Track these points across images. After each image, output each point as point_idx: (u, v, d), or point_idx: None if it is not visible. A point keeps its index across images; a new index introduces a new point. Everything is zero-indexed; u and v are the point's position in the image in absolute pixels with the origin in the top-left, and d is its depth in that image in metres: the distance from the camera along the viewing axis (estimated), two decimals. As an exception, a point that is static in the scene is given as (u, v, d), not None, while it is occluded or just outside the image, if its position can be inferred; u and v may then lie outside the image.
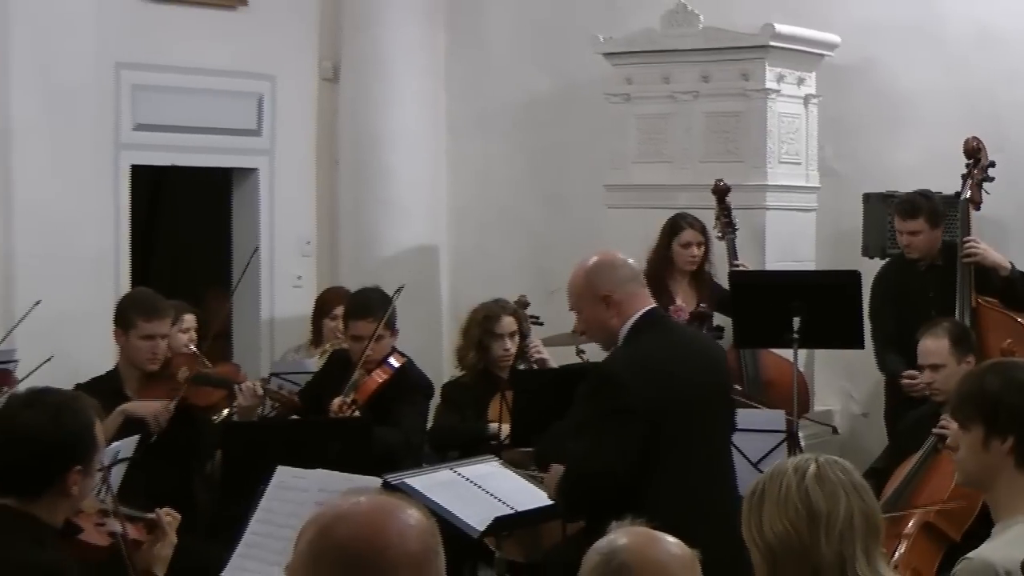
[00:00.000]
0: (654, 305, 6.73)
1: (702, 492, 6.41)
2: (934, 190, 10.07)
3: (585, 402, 6.66)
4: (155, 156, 12.84)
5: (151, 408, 8.13)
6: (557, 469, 6.65)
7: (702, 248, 10.22)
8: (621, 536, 3.78)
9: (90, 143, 11.79)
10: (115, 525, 5.31)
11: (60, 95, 11.37)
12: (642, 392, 6.36)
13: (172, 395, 8.25)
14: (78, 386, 7.90)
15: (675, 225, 10.22)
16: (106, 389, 8.04)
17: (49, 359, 8.83)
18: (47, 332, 9.48)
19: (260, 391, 8.76)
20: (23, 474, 4.96)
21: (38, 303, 9.93)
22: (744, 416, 7.03)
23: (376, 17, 13.49)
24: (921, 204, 9.78)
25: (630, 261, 6.76)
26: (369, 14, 13.51)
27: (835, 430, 10.50)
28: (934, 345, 7.97)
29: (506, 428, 8.88)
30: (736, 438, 7.02)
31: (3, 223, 11.19)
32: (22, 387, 8.99)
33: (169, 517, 5.51)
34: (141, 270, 12.78)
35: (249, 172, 13.59)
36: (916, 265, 9.86)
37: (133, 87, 12.53)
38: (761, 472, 4.82)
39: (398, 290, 9.20)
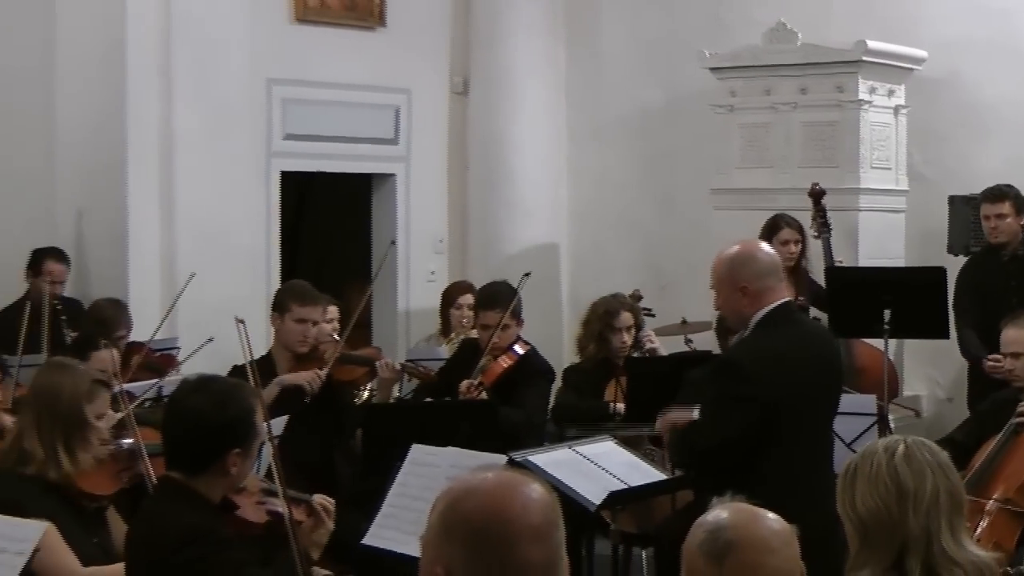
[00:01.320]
0: (787, 299, 6.67)
1: (803, 472, 6.36)
2: (1014, 191, 10.07)
3: (709, 383, 6.69)
4: (302, 163, 12.94)
5: (304, 376, 8.20)
6: (672, 415, 6.81)
7: (799, 246, 10.16)
8: (724, 512, 3.75)
9: (244, 152, 11.89)
10: (275, 504, 5.32)
11: (218, 109, 11.47)
12: (761, 381, 6.34)
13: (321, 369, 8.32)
14: (235, 368, 7.97)
15: (774, 225, 10.17)
16: (260, 370, 8.10)
17: (210, 340, 8.87)
18: (206, 321, 9.51)
19: (398, 367, 8.82)
20: (188, 452, 5.00)
21: (193, 275, 10.01)
22: (840, 400, 6.97)
23: (502, 35, 13.52)
24: (1007, 190, 9.94)
25: (771, 254, 6.69)
26: (496, 33, 13.54)
27: (917, 414, 10.42)
28: (1016, 334, 7.86)
29: (621, 408, 8.88)
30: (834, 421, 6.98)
31: (167, 223, 11.31)
32: (184, 367, 9.15)
33: (325, 503, 5.52)
34: (289, 265, 12.85)
35: (387, 177, 13.64)
36: (999, 256, 9.81)
37: (283, 101, 12.63)
38: (854, 452, 4.78)
39: (525, 275, 9.18)
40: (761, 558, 3.65)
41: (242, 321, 6.48)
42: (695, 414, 6.77)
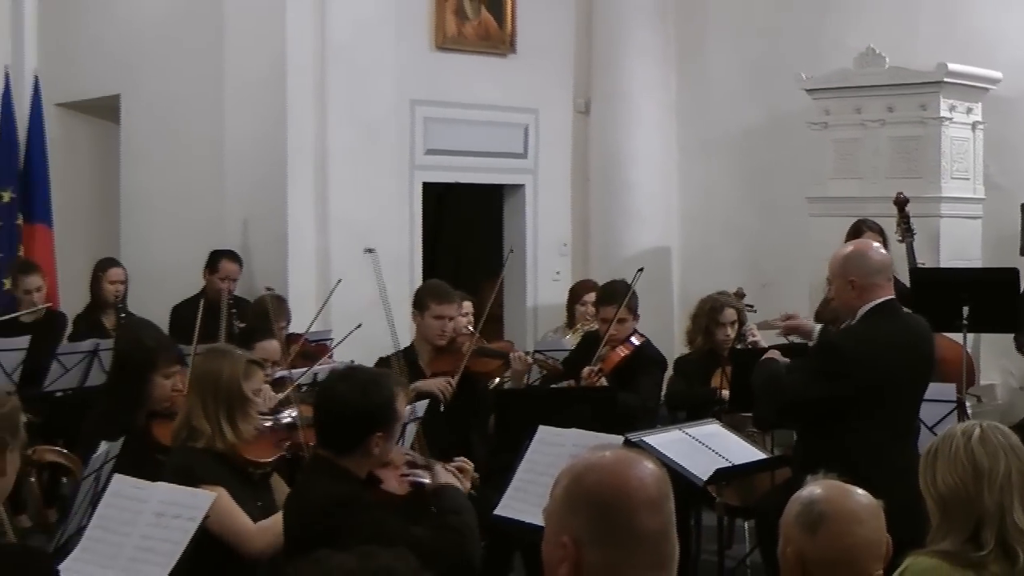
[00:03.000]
0: (891, 296, 6.67)
1: (889, 451, 6.34)
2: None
3: (810, 358, 6.76)
4: (442, 175, 13.01)
5: (437, 384, 8.22)
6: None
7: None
8: (817, 488, 3.77)
9: (390, 165, 11.96)
10: (417, 475, 5.36)
11: (367, 127, 11.55)
12: (859, 365, 6.39)
13: (455, 368, 8.35)
14: (382, 359, 8.04)
15: (857, 229, 10.08)
16: (404, 360, 8.20)
17: (359, 326, 8.95)
18: (356, 316, 9.57)
19: (530, 360, 8.84)
20: (335, 434, 5.05)
21: (339, 281, 10.18)
22: (921, 388, 6.96)
23: (620, 60, 13.53)
24: None
25: (882, 255, 6.74)
26: (614, 58, 13.55)
27: (979, 399, 10.34)
28: None
29: (726, 394, 8.87)
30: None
31: (322, 228, 11.40)
32: (336, 354, 9.22)
33: (463, 464, 5.58)
34: (429, 266, 12.90)
35: (517, 188, 13.68)
36: None
37: (424, 119, 12.70)
38: (935, 435, 4.77)
39: (639, 271, 9.20)
40: (850, 528, 3.68)
41: (371, 250, 6.51)
42: None
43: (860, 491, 3.77)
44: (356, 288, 10.46)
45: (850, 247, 6.72)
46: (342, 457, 5.04)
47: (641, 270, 9.24)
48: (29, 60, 13.51)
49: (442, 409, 8.09)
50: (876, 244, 7.09)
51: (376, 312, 8.93)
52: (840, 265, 6.62)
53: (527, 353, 9.00)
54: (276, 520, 5.47)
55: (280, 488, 6.08)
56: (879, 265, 6.61)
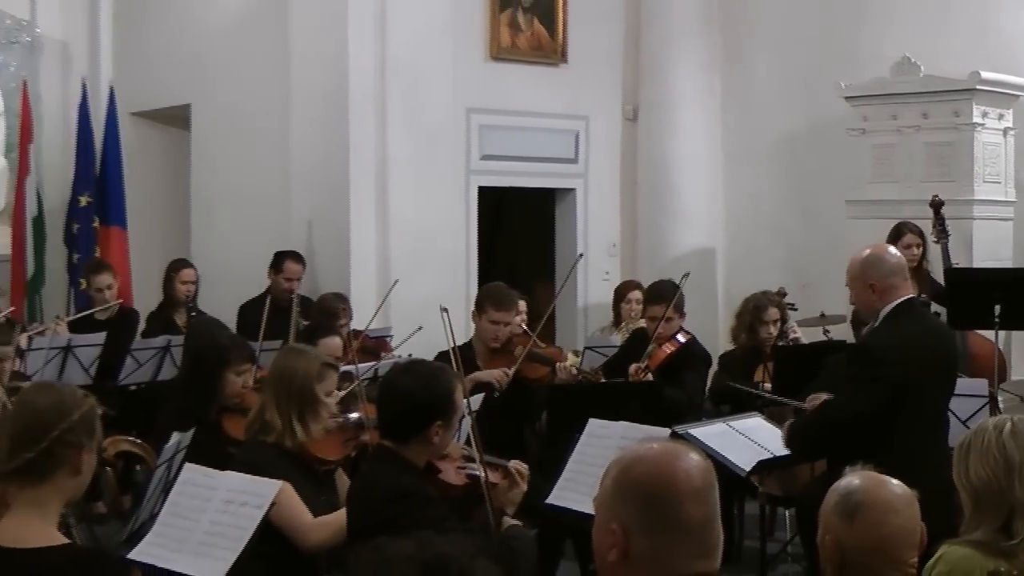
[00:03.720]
0: (911, 295, 6.65)
1: (923, 444, 6.31)
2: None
3: (847, 366, 6.68)
4: (497, 180, 13.03)
5: (494, 374, 8.26)
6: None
7: (920, 249, 10.03)
8: (855, 479, 3.77)
9: (447, 170, 11.98)
10: (475, 469, 5.36)
11: (425, 134, 11.56)
12: (891, 365, 6.33)
13: (511, 365, 8.38)
14: (440, 354, 8.06)
15: (898, 231, 10.04)
16: (462, 355, 8.20)
17: (419, 328, 8.99)
18: (415, 315, 9.59)
19: (574, 371, 8.80)
20: (397, 423, 5.07)
21: (396, 282, 10.25)
22: (956, 383, 6.92)
23: (667, 70, 13.52)
24: None
25: (897, 256, 6.67)
26: (661, 68, 13.54)
27: (1022, 399, 10.26)
28: None
29: (768, 388, 8.84)
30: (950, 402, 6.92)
31: (382, 231, 11.42)
32: (397, 352, 9.26)
33: (520, 467, 5.59)
34: (485, 266, 12.93)
35: (568, 192, 13.68)
36: None
37: (480, 127, 12.74)
38: (968, 429, 4.75)
39: (685, 275, 9.21)
40: (886, 517, 3.67)
41: (446, 310, 6.58)
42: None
43: (895, 482, 3.76)
44: (414, 287, 10.50)
45: (865, 252, 6.63)
46: (403, 447, 5.06)
47: (688, 274, 9.25)
48: (105, 72, 13.65)
49: (496, 395, 8.11)
50: (890, 247, 7.03)
51: (434, 310, 8.95)
52: (858, 270, 6.56)
53: (572, 366, 8.96)
54: (336, 517, 5.49)
55: (344, 483, 6.11)
56: (895, 266, 6.56)
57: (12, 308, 11.38)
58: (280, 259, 10.99)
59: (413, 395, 5.04)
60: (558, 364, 8.63)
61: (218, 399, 6.79)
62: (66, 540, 3.76)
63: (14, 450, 3.73)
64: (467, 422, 5.69)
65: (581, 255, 12.38)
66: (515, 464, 5.51)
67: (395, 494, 4.91)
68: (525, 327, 9.14)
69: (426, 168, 11.58)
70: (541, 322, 9.13)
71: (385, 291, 10.51)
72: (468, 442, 5.72)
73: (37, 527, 3.69)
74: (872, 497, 3.70)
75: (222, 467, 5.58)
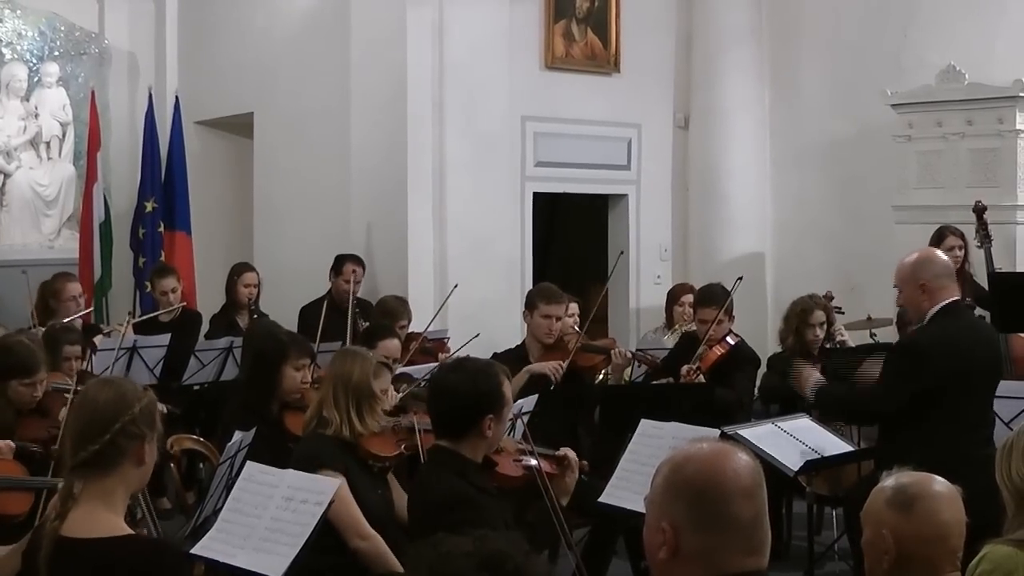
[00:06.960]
0: (957, 297, 6.65)
1: (968, 444, 6.29)
2: None
3: (893, 360, 6.68)
4: (551, 185, 13.02)
5: (549, 365, 8.24)
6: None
7: (962, 251, 9.97)
8: (904, 476, 3.77)
9: (503, 176, 11.99)
10: (530, 460, 5.42)
11: (481, 140, 11.59)
12: (936, 363, 6.37)
13: (565, 359, 8.36)
14: (495, 355, 8.05)
15: (941, 234, 10.00)
16: (514, 357, 8.21)
17: (476, 336, 9.00)
18: (472, 315, 9.62)
19: (629, 355, 8.83)
20: (451, 420, 5.09)
21: (456, 286, 10.24)
22: (1000, 385, 6.87)
23: (717, 79, 13.51)
24: None
25: (946, 260, 6.71)
26: (711, 77, 13.54)
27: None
28: None
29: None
30: (994, 403, 6.88)
31: (440, 234, 11.45)
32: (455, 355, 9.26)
33: (570, 455, 5.63)
34: (539, 270, 12.92)
35: (621, 197, 13.67)
36: None
37: (535, 134, 12.74)
38: (1011, 430, 4.71)
39: (738, 279, 9.20)
40: (942, 507, 3.68)
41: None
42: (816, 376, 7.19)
43: (940, 479, 3.78)
44: (470, 290, 10.50)
45: (916, 254, 6.68)
46: (459, 443, 5.07)
47: (741, 278, 9.25)
48: (171, 82, 13.74)
49: (552, 388, 8.10)
50: (938, 251, 7.03)
51: (492, 312, 8.95)
52: (909, 271, 6.59)
53: (627, 350, 8.97)
54: (383, 547, 5.68)
55: (397, 488, 6.24)
56: (945, 268, 6.62)
57: (90, 309, 11.52)
58: (340, 262, 11.01)
59: (463, 392, 5.06)
60: (613, 350, 8.63)
61: (279, 394, 6.83)
62: (131, 531, 3.78)
63: (80, 444, 3.77)
64: (520, 421, 5.70)
65: (622, 252, 12.44)
66: (566, 451, 5.57)
67: (452, 500, 4.92)
68: (577, 328, 9.12)
69: (482, 174, 11.60)
70: (590, 316, 9.13)
71: (441, 293, 10.53)
72: (524, 437, 5.75)
73: (103, 518, 3.72)
74: (925, 489, 3.72)
75: (284, 462, 5.63)
